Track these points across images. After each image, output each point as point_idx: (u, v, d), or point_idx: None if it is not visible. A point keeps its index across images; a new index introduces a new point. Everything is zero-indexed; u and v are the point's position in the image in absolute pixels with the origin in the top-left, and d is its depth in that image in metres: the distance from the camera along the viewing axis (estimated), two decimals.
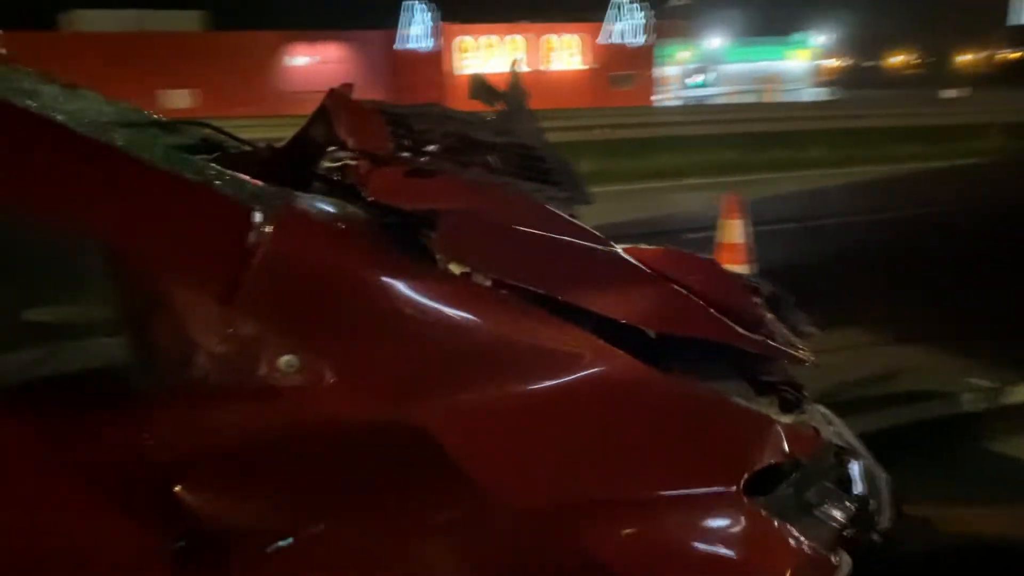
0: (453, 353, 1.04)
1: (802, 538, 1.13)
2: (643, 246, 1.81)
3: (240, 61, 30.25)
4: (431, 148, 2.15)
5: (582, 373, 1.09)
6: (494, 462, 1.00)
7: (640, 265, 1.35)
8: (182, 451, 0.92)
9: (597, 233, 1.59)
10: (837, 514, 1.19)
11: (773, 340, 1.51)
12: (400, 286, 1.04)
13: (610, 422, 1.09)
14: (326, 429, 0.95)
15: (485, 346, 1.06)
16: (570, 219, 1.65)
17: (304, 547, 0.92)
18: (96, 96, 2.14)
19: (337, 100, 1.75)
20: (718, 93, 40.44)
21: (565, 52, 36.14)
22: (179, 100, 28.37)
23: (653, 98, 36.15)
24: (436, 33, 34.28)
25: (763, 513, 1.12)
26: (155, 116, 2.19)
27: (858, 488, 1.37)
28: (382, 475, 0.96)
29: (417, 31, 34.61)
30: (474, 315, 1.08)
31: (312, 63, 31.99)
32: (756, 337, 1.33)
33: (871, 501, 1.40)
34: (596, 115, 17.20)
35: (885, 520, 1.39)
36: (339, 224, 1.15)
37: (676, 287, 1.32)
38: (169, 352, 0.93)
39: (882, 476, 1.51)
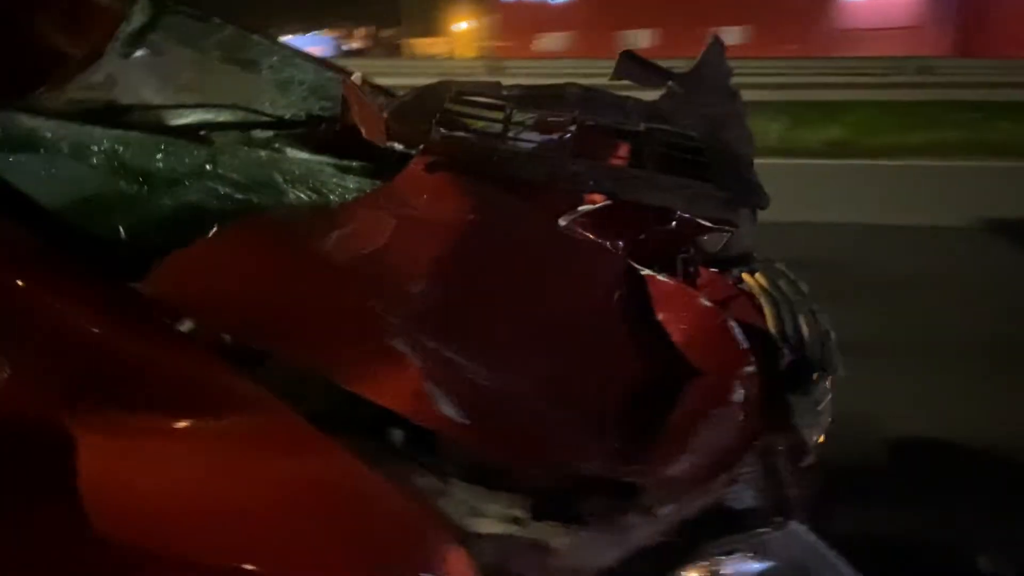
0: (110, 375, 1.06)
1: None
2: (661, 278, 1.54)
3: None
4: (549, 136, 2.03)
5: (219, 421, 1.02)
6: (104, 492, 1.00)
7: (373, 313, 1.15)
8: None
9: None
10: None
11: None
12: (72, 298, 1.09)
13: (224, 478, 1.01)
14: None
15: (138, 374, 1.06)
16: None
17: None
18: (309, 66, 2.42)
19: (350, 90, 1.77)
20: None
21: None
22: (729, 37, 28.76)
23: None
24: None
25: None
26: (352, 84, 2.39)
27: None
28: (24, 480, 1.02)
29: None
30: (137, 341, 1.08)
31: None
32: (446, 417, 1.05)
33: None
34: None
35: None
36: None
37: (387, 345, 1.11)
38: None
39: None
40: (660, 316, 1.43)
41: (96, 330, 1.07)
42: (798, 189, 7.70)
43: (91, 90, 2.17)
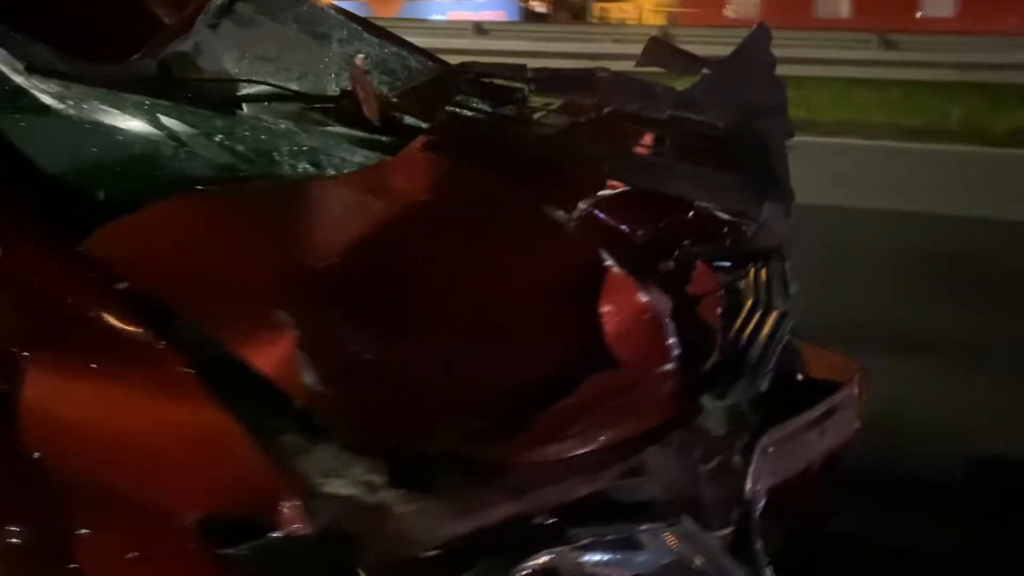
0: (55, 322, 1.23)
1: None
2: (616, 269, 1.55)
3: None
4: (570, 120, 2.05)
5: (127, 369, 1.17)
6: (39, 418, 1.17)
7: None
8: None
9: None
10: None
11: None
12: (31, 256, 1.26)
13: (124, 415, 1.15)
14: None
15: (76, 323, 1.22)
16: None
17: None
18: (375, 40, 2.54)
19: (355, 72, 1.84)
20: None
21: None
22: (941, 9, 26.85)
23: None
24: None
25: (202, 554, 1.08)
26: (411, 62, 2.49)
27: None
28: None
29: None
30: (76, 295, 1.24)
31: None
32: None
33: None
34: None
35: None
36: None
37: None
38: None
39: None
40: (602, 307, 1.45)
41: (48, 284, 1.26)
42: (965, 179, 7.14)
43: (179, 57, 2.38)
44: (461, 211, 1.55)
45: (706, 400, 1.39)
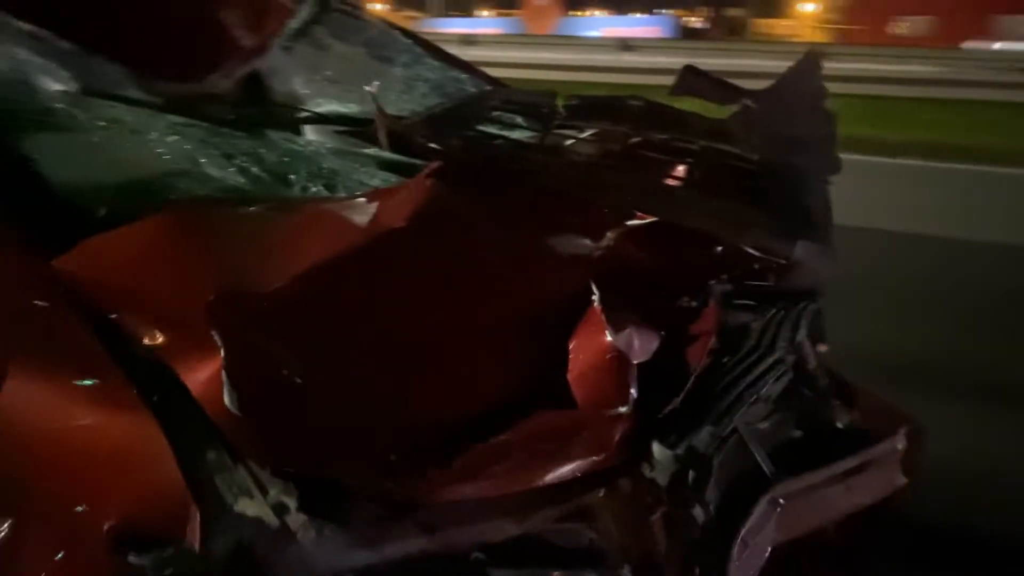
0: (32, 329, 1.30)
1: None
2: (596, 304, 1.50)
3: None
4: (598, 148, 2.01)
5: (74, 379, 1.23)
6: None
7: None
8: None
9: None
10: None
11: None
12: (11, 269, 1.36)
13: (66, 422, 1.20)
14: None
15: (45, 331, 1.29)
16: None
17: None
18: (436, 65, 2.59)
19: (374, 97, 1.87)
20: None
21: None
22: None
23: None
24: None
25: (115, 562, 1.10)
26: (468, 86, 2.52)
27: None
28: None
29: None
30: (47, 307, 1.32)
31: None
32: None
33: None
34: None
35: None
36: None
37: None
38: None
39: None
40: (572, 343, 1.42)
41: (24, 296, 1.35)
42: None
43: (252, 78, 2.51)
44: (435, 241, 1.54)
45: (656, 448, 1.32)
